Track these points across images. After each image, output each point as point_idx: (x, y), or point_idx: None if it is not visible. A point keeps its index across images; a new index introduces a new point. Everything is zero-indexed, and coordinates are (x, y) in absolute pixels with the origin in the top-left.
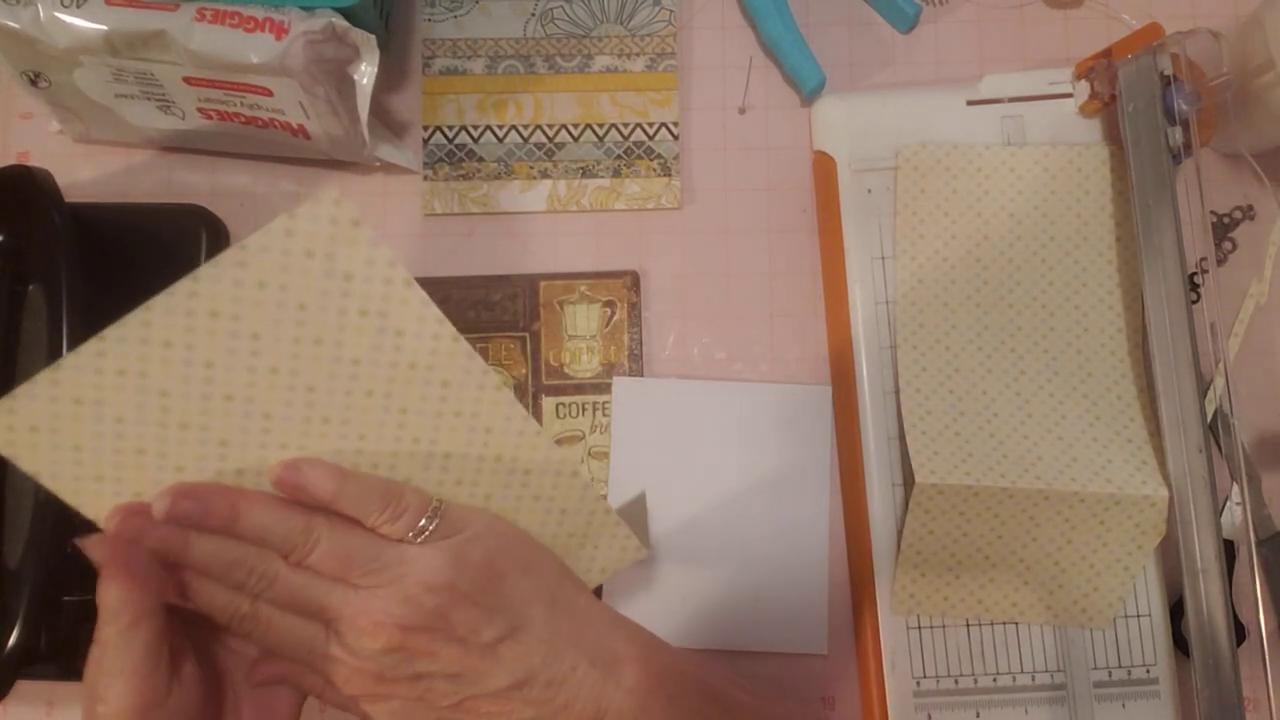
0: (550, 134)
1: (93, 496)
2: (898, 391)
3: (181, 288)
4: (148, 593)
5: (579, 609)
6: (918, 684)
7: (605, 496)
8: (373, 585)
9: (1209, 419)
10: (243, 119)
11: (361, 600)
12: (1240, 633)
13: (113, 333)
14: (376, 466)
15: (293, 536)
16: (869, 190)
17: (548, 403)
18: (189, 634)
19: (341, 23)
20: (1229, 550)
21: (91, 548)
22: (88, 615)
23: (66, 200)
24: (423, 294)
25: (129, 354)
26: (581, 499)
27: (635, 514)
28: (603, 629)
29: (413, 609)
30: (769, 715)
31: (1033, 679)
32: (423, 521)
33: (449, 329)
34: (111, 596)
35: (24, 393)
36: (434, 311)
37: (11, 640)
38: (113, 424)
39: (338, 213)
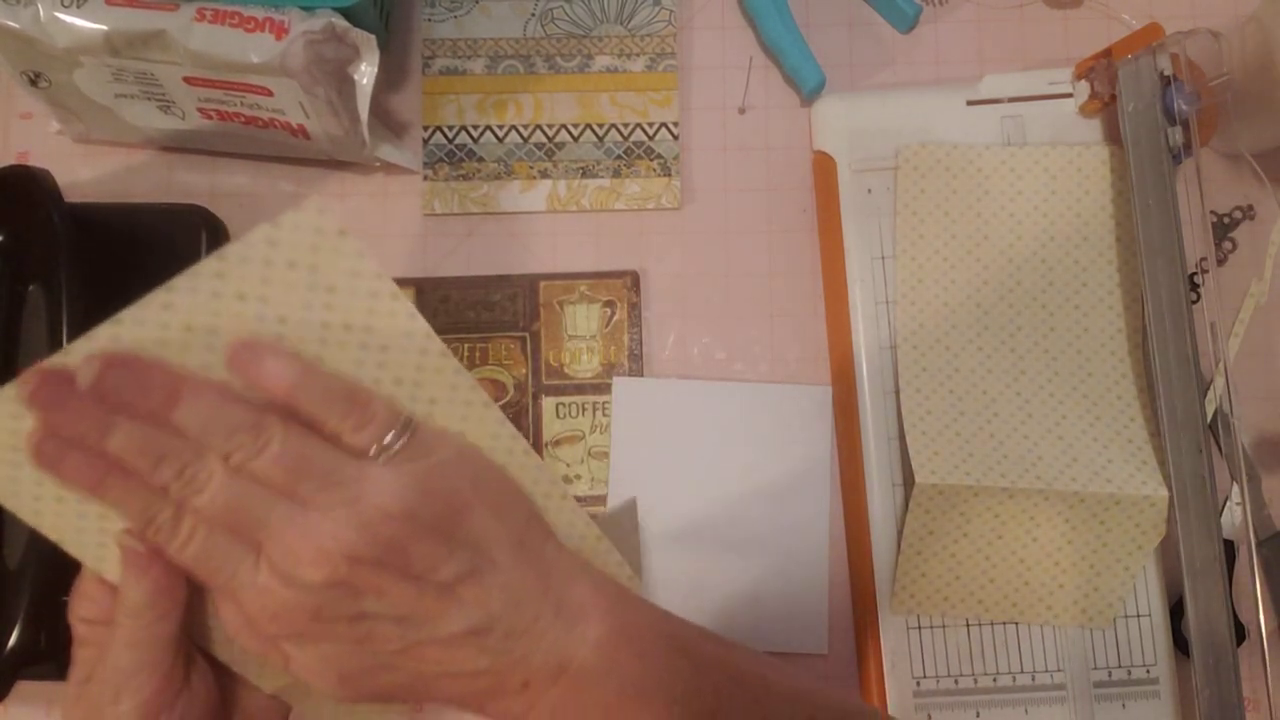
0: (550, 134)
1: (53, 516)
2: (898, 391)
3: (155, 299)
4: (173, 594)
5: (546, 556)
6: (918, 684)
7: (598, 517)
8: (324, 505)
9: (1209, 419)
10: (243, 119)
11: (308, 521)
12: (1240, 632)
13: (79, 346)
14: None
15: (239, 434)
16: (869, 190)
17: (548, 403)
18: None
19: (341, 23)
20: (1229, 550)
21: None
22: None
23: (66, 200)
24: (410, 307)
25: (88, 369)
26: (572, 522)
27: (626, 522)
28: (570, 578)
29: (366, 537)
30: (741, 666)
31: (1033, 679)
32: (389, 437)
33: (437, 344)
34: (137, 594)
35: None
36: (421, 325)
37: (12, 640)
38: None
39: (322, 222)
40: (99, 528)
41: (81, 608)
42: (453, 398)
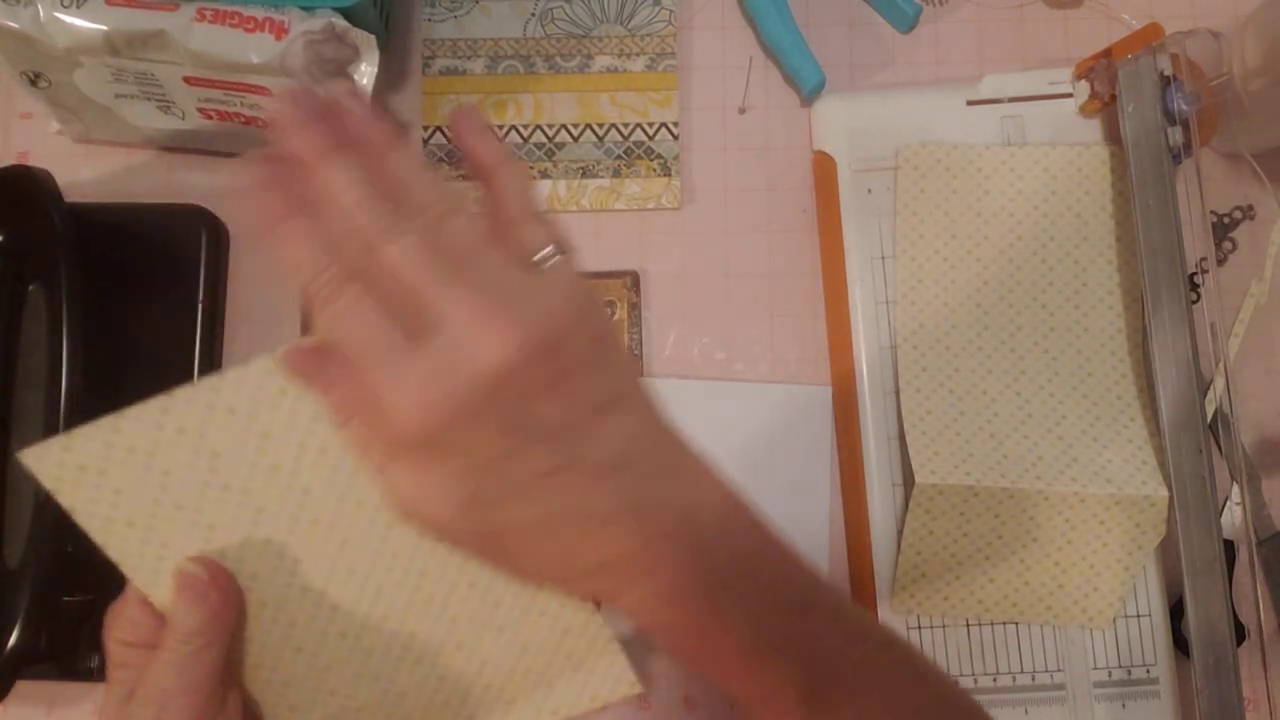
0: (550, 134)
1: (120, 540)
2: (898, 391)
3: (259, 363)
4: (224, 622)
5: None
6: None
7: (605, 625)
8: (501, 293)
9: (1209, 419)
10: (243, 119)
11: (483, 303)
12: (1240, 632)
13: (182, 393)
14: (398, 556)
15: (436, 199)
16: (869, 190)
17: None
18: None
19: (341, 23)
20: (1229, 550)
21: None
22: (87, 616)
23: (66, 200)
24: None
25: (193, 415)
26: (586, 623)
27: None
28: (682, 437)
29: (539, 330)
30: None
31: (1033, 679)
32: (552, 248)
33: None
34: (190, 620)
35: (83, 434)
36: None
37: (12, 640)
38: (159, 475)
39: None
40: (158, 554)
41: (121, 630)
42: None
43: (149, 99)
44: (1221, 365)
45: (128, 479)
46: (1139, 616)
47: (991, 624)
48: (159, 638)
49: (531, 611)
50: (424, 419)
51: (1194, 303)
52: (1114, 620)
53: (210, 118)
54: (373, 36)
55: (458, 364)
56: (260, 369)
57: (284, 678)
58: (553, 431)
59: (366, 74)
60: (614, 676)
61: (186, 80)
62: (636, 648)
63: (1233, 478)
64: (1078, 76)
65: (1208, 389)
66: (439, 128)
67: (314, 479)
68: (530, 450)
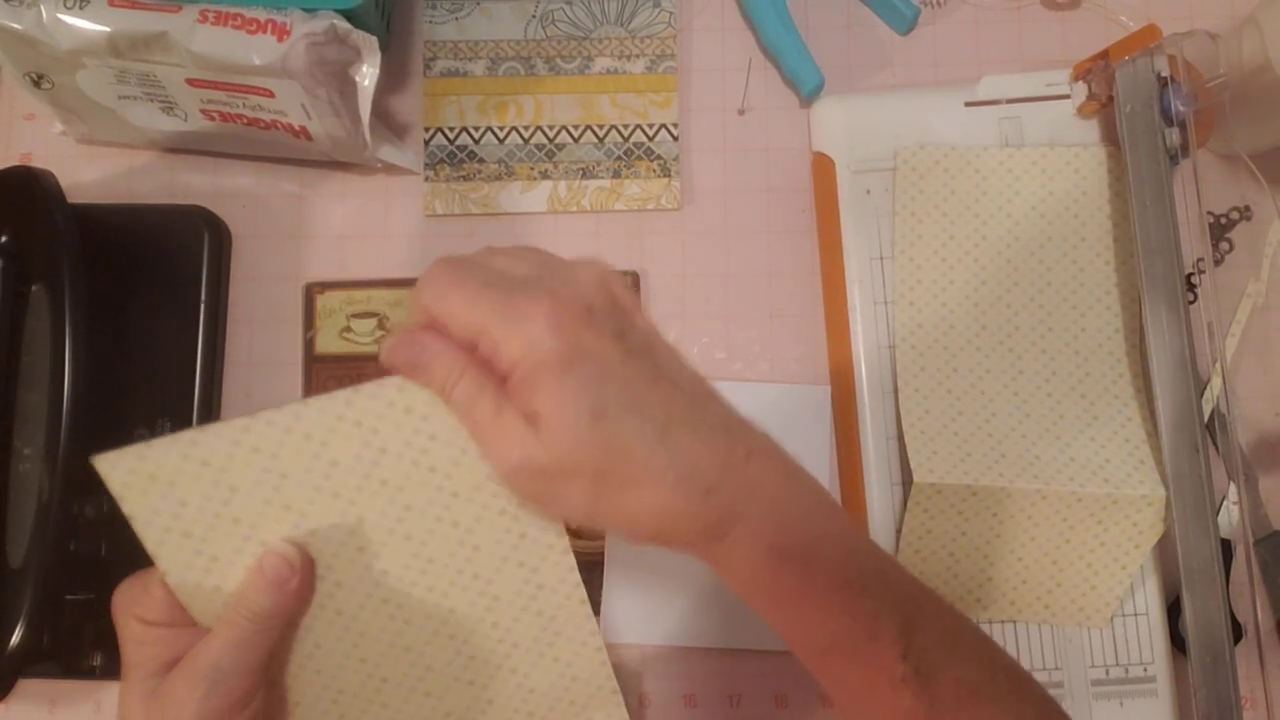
0: (550, 135)
1: (174, 549)
2: (896, 391)
3: (342, 395)
4: (300, 606)
5: None
6: None
7: (612, 674)
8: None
9: (1206, 419)
10: (245, 120)
11: (565, 260)
12: (1237, 631)
13: (265, 414)
14: (431, 590)
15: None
16: (868, 191)
17: None
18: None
19: (343, 24)
20: (1226, 549)
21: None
22: (90, 614)
23: (69, 201)
24: (488, 469)
25: (271, 436)
26: (595, 672)
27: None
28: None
29: (611, 269)
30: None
31: None
32: None
33: (501, 503)
34: (269, 600)
35: (160, 445)
36: (493, 486)
37: (14, 639)
38: (225, 490)
39: (395, 396)
40: (206, 567)
41: (145, 609)
42: (539, 538)
43: (151, 100)
44: (1218, 365)
45: (194, 492)
46: (1136, 615)
47: (989, 622)
48: (178, 618)
49: (547, 656)
50: (554, 333)
51: (1191, 303)
52: (1111, 619)
53: (213, 119)
54: (374, 38)
55: (563, 291)
56: (342, 400)
57: (341, 685)
58: (646, 346)
59: (368, 75)
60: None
61: (189, 82)
62: (632, 677)
63: (1230, 477)
64: (1075, 78)
65: (1205, 389)
66: (440, 129)
67: (370, 509)
68: (636, 360)
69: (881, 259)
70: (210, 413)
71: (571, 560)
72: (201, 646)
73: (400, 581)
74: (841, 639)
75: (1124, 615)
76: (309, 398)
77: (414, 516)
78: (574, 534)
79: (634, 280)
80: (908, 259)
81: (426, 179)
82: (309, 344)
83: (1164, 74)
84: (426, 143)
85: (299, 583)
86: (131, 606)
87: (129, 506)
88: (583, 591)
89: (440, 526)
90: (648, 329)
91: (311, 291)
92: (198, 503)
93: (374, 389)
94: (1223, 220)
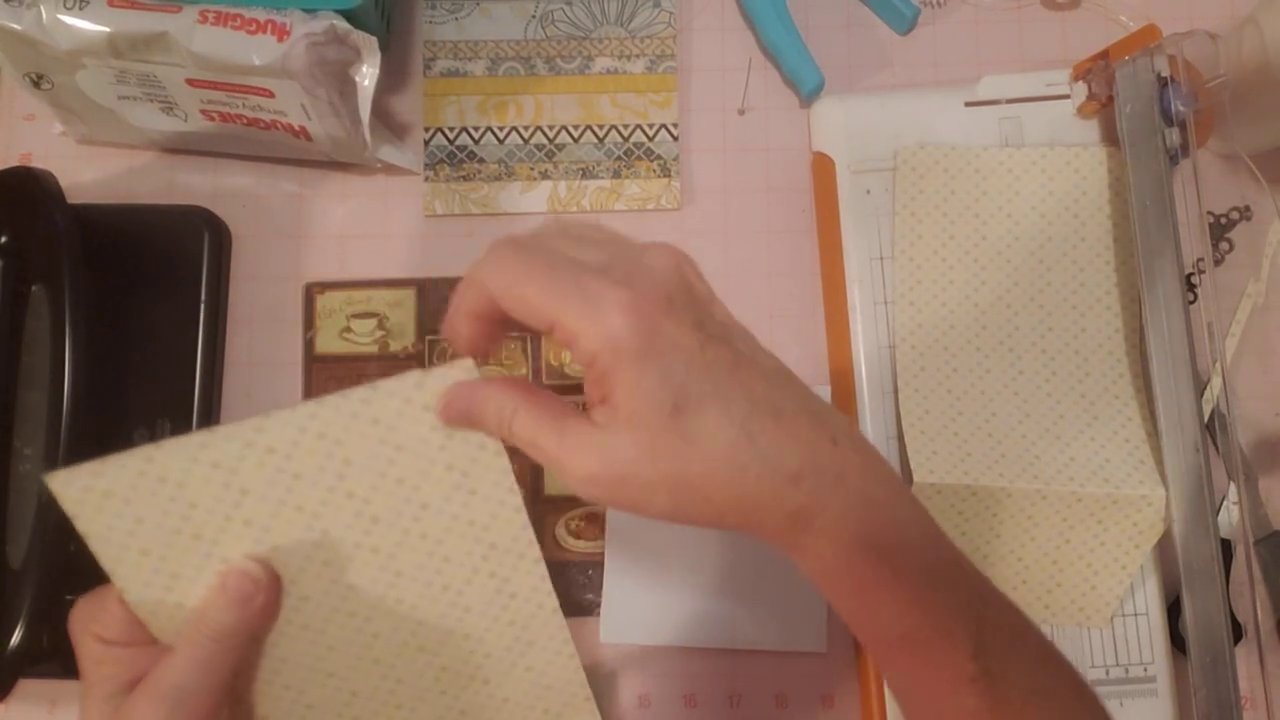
0: (550, 135)
1: (131, 567)
2: (896, 391)
3: (306, 409)
4: (264, 624)
5: None
6: None
7: (585, 681)
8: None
9: (1206, 419)
10: (245, 121)
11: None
12: (1237, 631)
13: (224, 430)
14: (400, 602)
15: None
16: (868, 191)
17: None
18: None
19: (343, 25)
20: (1226, 549)
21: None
22: None
23: (69, 201)
24: (506, 464)
25: (230, 452)
26: (569, 680)
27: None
28: None
29: (685, 255)
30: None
31: None
32: None
33: (515, 499)
34: (231, 618)
35: (115, 462)
36: (509, 481)
37: (15, 639)
38: (184, 506)
39: (466, 379)
40: (166, 585)
41: (102, 626)
42: (510, 548)
43: (151, 100)
44: (1218, 365)
45: (151, 509)
46: (1136, 615)
47: None
48: (137, 637)
49: (518, 666)
50: (632, 323)
51: (1191, 303)
52: (1111, 619)
53: (213, 119)
54: (374, 38)
55: (639, 280)
56: (305, 413)
57: (309, 700)
58: (725, 333)
59: (368, 75)
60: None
61: (189, 82)
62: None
63: (1230, 477)
64: (1075, 78)
65: (1205, 389)
66: (440, 129)
67: (334, 523)
68: (715, 347)
69: (881, 259)
70: (210, 413)
71: (543, 569)
72: (163, 665)
73: (369, 594)
74: (914, 634)
75: (1124, 615)
76: (270, 411)
77: (382, 528)
78: (574, 535)
79: None
80: (908, 259)
81: (426, 179)
82: (309, 344)
83: (1164, 74)
84: (426, 143)
85: (264, 599)
86: (89, 624)
87: (83, 524)
88: (554, 600)
89: (409, 538)
90: (724, 315)
91: (311, 291)
92: (155, 519)
93: (337, 400)
94: (1223, 220)
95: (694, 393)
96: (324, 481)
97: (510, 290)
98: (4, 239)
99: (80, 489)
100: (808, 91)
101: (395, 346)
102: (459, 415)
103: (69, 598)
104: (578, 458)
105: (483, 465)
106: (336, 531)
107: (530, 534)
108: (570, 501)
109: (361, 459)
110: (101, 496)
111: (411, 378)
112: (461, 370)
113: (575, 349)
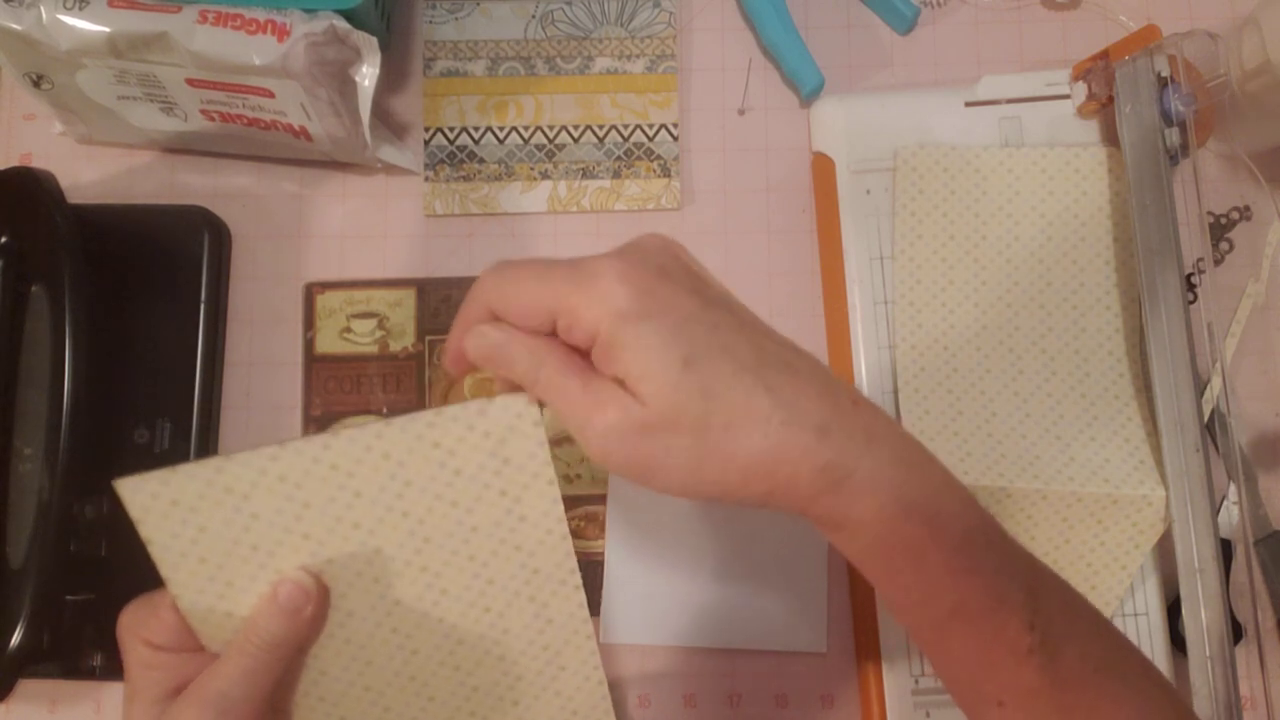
0: (550, 135)
1: (189, 575)
2: (896, 391)
3: (373, 429)
4: (311, 634)
5: None
6: (916, 682)
7: (611, 709)
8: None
9: (1206, 419)
10: (245, 121)
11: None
12: (1237, 631)
13: (294, 445)
14: (442, 621)
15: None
16: (868, 191)
17: None
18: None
19: (343, 25)
20: (1226, 549)
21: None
22: (90, 615)
23: (69, 201)
24: (556, 493)
25: (297, 466)
26: (594, 706)
27: None
28: None
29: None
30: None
31: None
32: None
33: (562, 528)
34: (280, 628)
35: (185, 471)
36: (558, 510)
37: (15, 639)
38: (246, 517)
39: (525, 410)
40: (219, 593)
41: (153, 632)
42: (552, 574)
43: (151, 100)
44: (1218, 365)
45: (215, 519)
46: (1136, 615)
47: None
48: (186, 643)
49: (548, 690)
50: (628, 287)
51: (1191, 303)
52: (1111, 619)
53: (212, 119)
54: (374, 38)
55: (629, 253)
56: (373, 433)
57: (343, 713)
58: (725, 301)
59: (368, 75)
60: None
61: (189, 82)
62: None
63: (1230, 477)
64: (1075, 78)
65: (1205, 389)
66: (440, 129)
67: (389, 541)
68: (717, 310)
69: (881, 259)
70: (210, 412)
71: (582, 597)
72: (210, 673)
73: (412, 612)
74: (966, 604)
75: (1124, 615)
76: (336, 427)
77: (432, 549)
78: (574, 535)
79: None
80: (908, 259)
81: (426, 179)
82: (309, 344)
83: (1164, 74)
84: (426, 143)
85: (313, 611)
86: (139, 629)
87: (147, 530)
88: (590, 627)
89: (457, 559)
90: (722, 289)
91: (311, 291)
92: (217, 529)
93: (404, 422)
94: (1223, 220)
95: (702, 346)
96: (383, 500)
97: (506, 291)
98: (4, 239)
99: (148, 495)
100: (808, 91)
101: (395, 347)
102: (485, 354)
103: (69, 598)
104: (599, 410)
105: (535, 493)
106: (389, 549)
107: (573, 563)
108: (570, 501)
109: (421, 480)
110: (169, 504)
111: (475, 405)
112: (522, 402)
113: (577, 328)
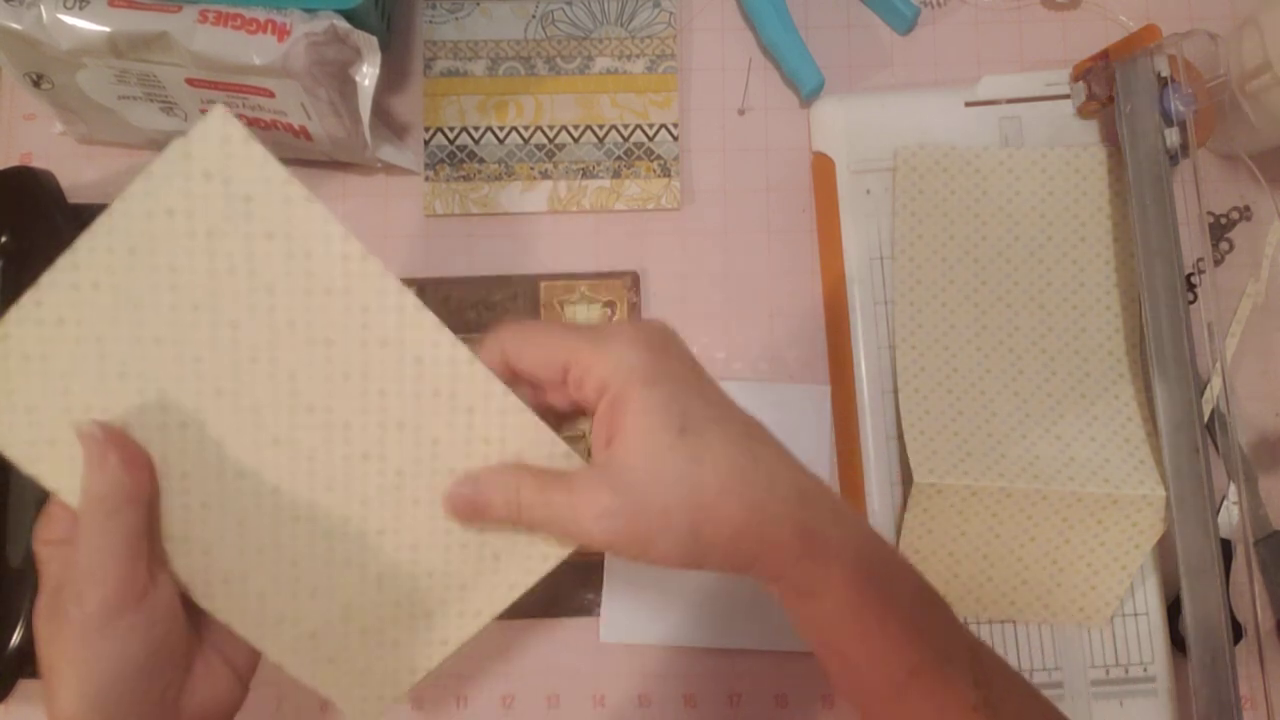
0: (550, 135)
1: (50, 463)
2: (896, 391)
3: (100, 224)
4: (129, 487)
5: None
6: None
7: (558, 439)
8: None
9: (1206, 419)
10: (245, 120)
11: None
12: (1237, 631)
13: (46, 279)
14: (312, 410)
15: None
16: (868, 191)
17: None
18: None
19: (343, 24)
20: (1226, 549)
21: (89, 431)
22: None
23: (69, 201)
24: (323, 209)
25: (63, 300)
26: (535, 441)
27: None
28: None
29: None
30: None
31: (1030, 677)
32: None
33: (356, 246)
34: (103, 480)
35: None
36: (337, 229)
37: (15, 639)
38: (59, 380)
39: (229, 130)
40: (49, 438)
41: (46, 530)
42: (384, 304)
43: (151, 100)
44: (1218, 365)
45: (34, 393)
46: (1136, 615)
47: (989, 622)
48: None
49: (474, 442)
50: (641, 351)
51: (1191, 303)
52: (1111, 619)
53: None
54: (374, 38)
55: (637, 329)
56: (103, 230)
57: (204, 546)
58: (713, 380)
59: (368, 75)
60: (525, 560)
61: (189, 82)
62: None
63: (1230, 477)
64: (1075, 78)
65: (1205, 389)
66: (440, 129)
67: (201, 345)
68: (709, 384)
69: (881, 259)
70: None
71: (432, 317)
72: (73, 553)
73: (269, 406)
74: (920, 667)
75: (1124, 615)
76: (76, 240)
77: (245, 335)
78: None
79: (634, 280)
80: (908, 259)
81: (426, 179)
82: None
83: (1164, 74)
84: (426, 143)
85: (117, 457)
86: (38, 530)
87: None
88: (465, 349)
89: (279, 334)
90: (708, 374)
91: None
92: (42, 403)
93: (121, 206)
94: (1223, 220)
95: (697, 416)
96: (162, 301)
97: (526, 341)
98: (4, 239)
99: None
100: (808, 91)
101: None
102: (469, 509)
103: None
104: (589, 498)
105: (301, 220)
106: (206, 352)
107: (395, 282)
108: None
109: (182, 260)
110: None
111: (176, 147)
112: (218, 117)
113: (588, 380)
